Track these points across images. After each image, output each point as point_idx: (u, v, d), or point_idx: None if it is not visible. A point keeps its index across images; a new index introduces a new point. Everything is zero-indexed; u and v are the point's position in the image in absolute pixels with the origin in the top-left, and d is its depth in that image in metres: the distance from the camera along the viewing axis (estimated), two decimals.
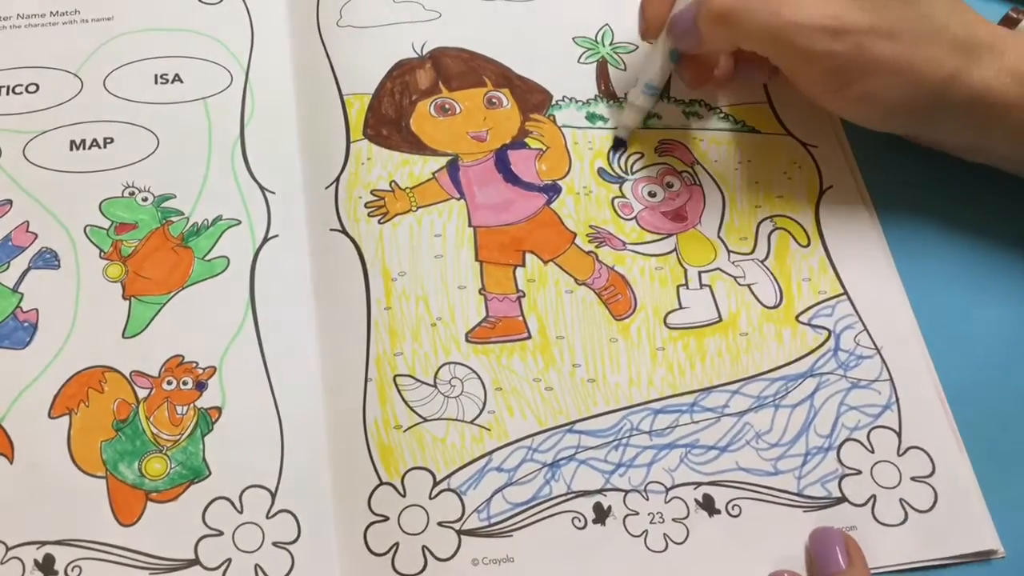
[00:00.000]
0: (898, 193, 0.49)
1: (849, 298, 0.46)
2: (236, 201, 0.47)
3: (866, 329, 0.45)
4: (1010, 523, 0.41)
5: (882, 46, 0.42)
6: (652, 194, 0.49)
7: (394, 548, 0.39)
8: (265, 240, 0.46)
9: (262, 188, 0.47)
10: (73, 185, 0.47)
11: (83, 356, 0.43)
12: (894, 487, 0.42)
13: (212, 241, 0.46)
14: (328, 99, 0.50)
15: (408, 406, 0.42)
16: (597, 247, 0.47)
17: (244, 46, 0.52)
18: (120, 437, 0.41)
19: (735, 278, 0.47)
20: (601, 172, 0.49)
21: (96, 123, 0.49)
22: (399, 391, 0.43)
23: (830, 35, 0.42)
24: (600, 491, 0.41)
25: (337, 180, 0.48)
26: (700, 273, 0.47)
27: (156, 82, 0.50)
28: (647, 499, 0.41)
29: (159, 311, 0.44)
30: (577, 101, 0.51)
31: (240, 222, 0.46)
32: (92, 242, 0.45)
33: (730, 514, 0.41)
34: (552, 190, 0.48)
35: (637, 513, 0.41)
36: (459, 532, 0.40)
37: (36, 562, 0.38)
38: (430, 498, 0.40)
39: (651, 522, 0.41)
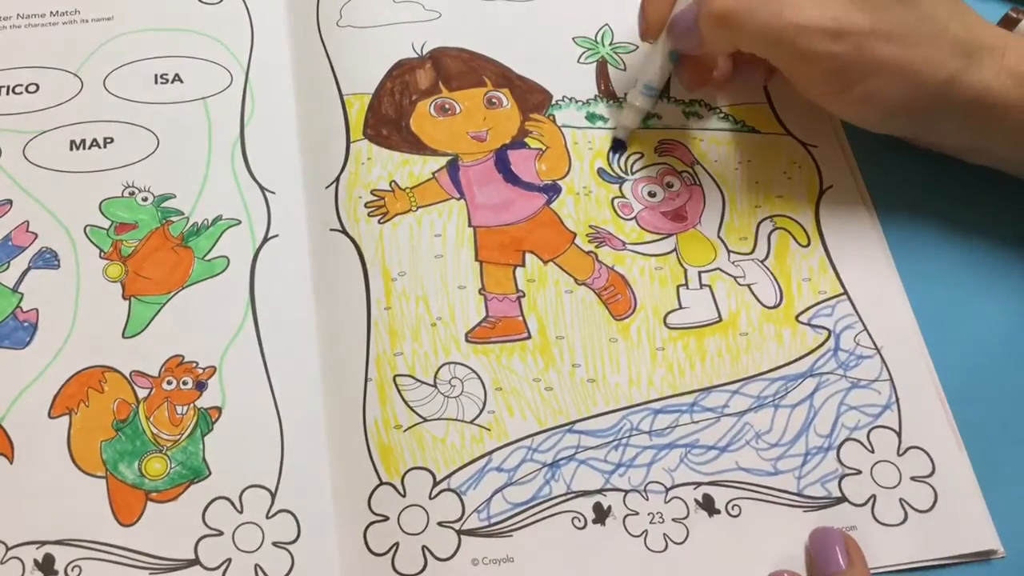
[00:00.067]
0: (898, 193, 0.49)
1: (849, 298, 0.46)
2: (236, 201, 0.47)
3: (866, 329, 0.45)
4: (1010, 523, 0.41)
5: (882, 48, 0.42)
6: (652, 194, 0.49)
7: (394, 548, 0.39)
8: (265, 240, 0.46)
9: (262, 188, 0.47)
10: (73, 185, 0.47)
11: (83, 356, 0.43)
12: (894, 487, 0.42)
13: (212, 241, 0.46)
14: (328, 99, 0.50)
15: (408, 406, 0.42)
16: (597, 247, 0.47)
17: (244, 46, 0.52)
18: (120, 437, 0.41)
19: (735, 278, 0.47)
20: (601, 172, 0.49)
21: (96, 123, 0.49)
22: (399, 391, 0.43)
23: (831, 37, 0.42)
24: (600, 491, 0.41)
25: (337, 180, 0.48)
26: (700, 273, 0.47)
27: (156, 82, 0.50)
28: (647, 499, 0.41)
29: (159, 311, 0.44)
30: (577, 101, 0.51)
31: (240, 222, 0.46)
32: (92, 242, 0.45)
33: (730, 514, 0.41)
34: (552, 190, 0.48)
35: (637, 513, 0.41)
36: (459, 532, 0.40)
37: (36, 562, 0.38)
38: (430, 498, 0.40)
39: (651, 522, 0.41)
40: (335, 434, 0.42)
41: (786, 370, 0.44)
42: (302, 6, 0.53)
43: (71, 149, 0.48)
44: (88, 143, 0.48)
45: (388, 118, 0.50)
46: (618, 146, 0.50)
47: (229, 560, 0.39)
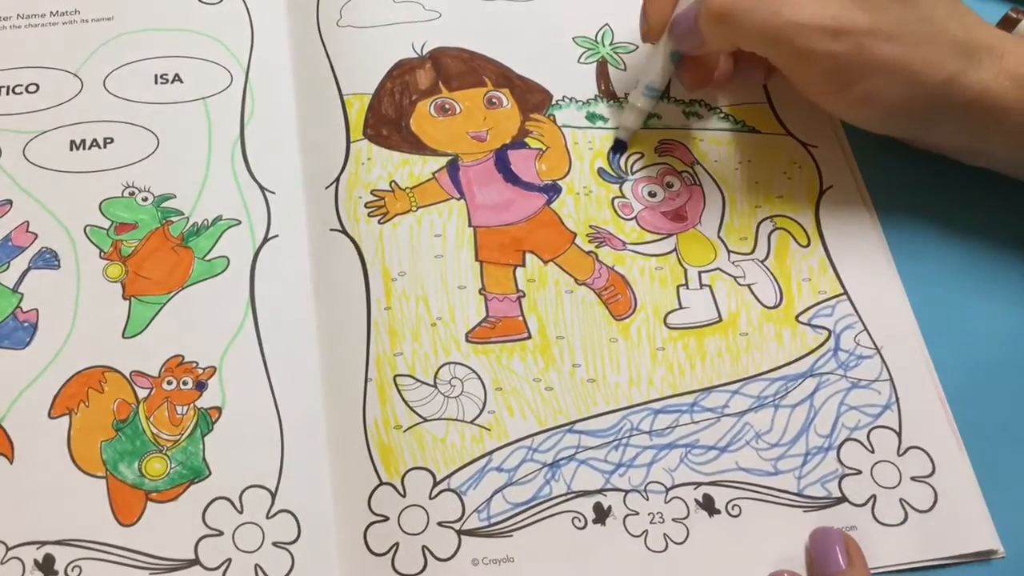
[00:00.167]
0: (898, 193, 0.49)
1: (849, 298, 0.46)
2: (236, 201, 0.47)
3: (866, 329, 0.45)
4: (1010, 523, 0.41)
5: (882, 47, 0.42)
6: (652, 194, 0.49)
7: (394, 548, 0.39)
8: (265, 240, 0.46)
9: (262, 188, 0.47)
10: (73, 185, 0.47)
11: (83, 356, 0.43)
12: (894, 487, 0.42)
13: (212, 241, 0.46)
14: (328, 99, 0.50)
15: (408, 406, 0.42)
16: (597, 247, 0.47)
17: (244, 46, 0.52)
18: (120, 437, 0.41)
19: (735, 278, 0.47)
20: (601, 172, 0.49)
21: (96, 123, 0.49)
22: (399, 391, 0.43)
23: (830, 35, 0.42)
24: (600, 491, 0.41)
25: (337, 180, 0.48)
26: (700, 273, 0.47)
27: (156, 82, 0.50)
28: (647, 499, 0.41)
29: (159, 311, 0.44)
30: (577, 101, 0.51)
31: (240, 222, 0.46)
32: (92, 242, 0.45)
33: (730, 514, 0.41)
34: (552, 190, 0.48)
35: (637, 513, 0.41)
36: (459, 532, 0.40)
37: (36, 562, 0.38)
38: (430, 498, 0.40)
39: (651, 522, 0.41)
40: (335, 434, 0.42)
41: (786, 370, 0.44)
42: (302, 6, 0.53)
43: (71, 149, 0.48)
44: (88, 143, 0.48)
45: (388, 118, 0.50)
46: (619, 147, 0.50)
47: (229, 560, 0.39)
